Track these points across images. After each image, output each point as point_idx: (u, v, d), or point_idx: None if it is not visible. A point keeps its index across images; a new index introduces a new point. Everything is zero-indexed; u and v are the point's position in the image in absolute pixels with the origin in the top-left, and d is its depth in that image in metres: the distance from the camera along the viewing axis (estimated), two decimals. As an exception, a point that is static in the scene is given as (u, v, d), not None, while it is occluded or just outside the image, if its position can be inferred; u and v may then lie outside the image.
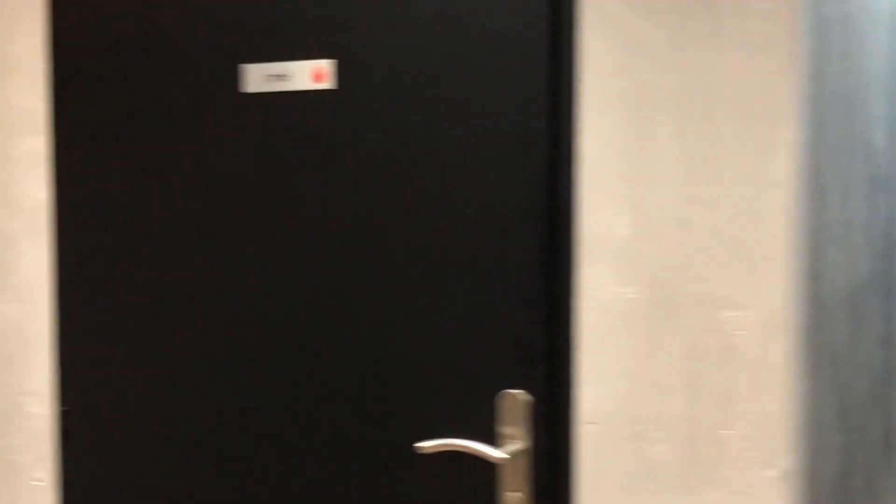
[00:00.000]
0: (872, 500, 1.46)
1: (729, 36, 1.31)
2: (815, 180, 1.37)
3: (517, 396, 1.46)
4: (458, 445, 1.45)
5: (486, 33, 1.45)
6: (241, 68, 1.60)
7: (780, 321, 1.31)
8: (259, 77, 1.58)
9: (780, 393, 1.31)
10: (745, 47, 1.30)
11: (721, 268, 1.34)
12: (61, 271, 1.76)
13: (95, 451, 1.74)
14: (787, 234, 1.30)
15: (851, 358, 1.45)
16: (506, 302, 1.47)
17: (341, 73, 1.54)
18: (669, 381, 1.38)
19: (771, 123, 1.30)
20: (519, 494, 1.45)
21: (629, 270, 1.40)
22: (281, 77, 1.56)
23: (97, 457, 1.74)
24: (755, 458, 1.33)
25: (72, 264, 1.75)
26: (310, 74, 1.55)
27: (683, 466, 1.38)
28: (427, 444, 1.47)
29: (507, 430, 1.47)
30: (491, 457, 1.43)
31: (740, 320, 1.33)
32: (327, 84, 1.54)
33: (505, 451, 1.44)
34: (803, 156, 1.32)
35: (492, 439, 1.48)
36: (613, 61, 1.38)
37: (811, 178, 1.35)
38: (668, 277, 1.37)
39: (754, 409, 1.33)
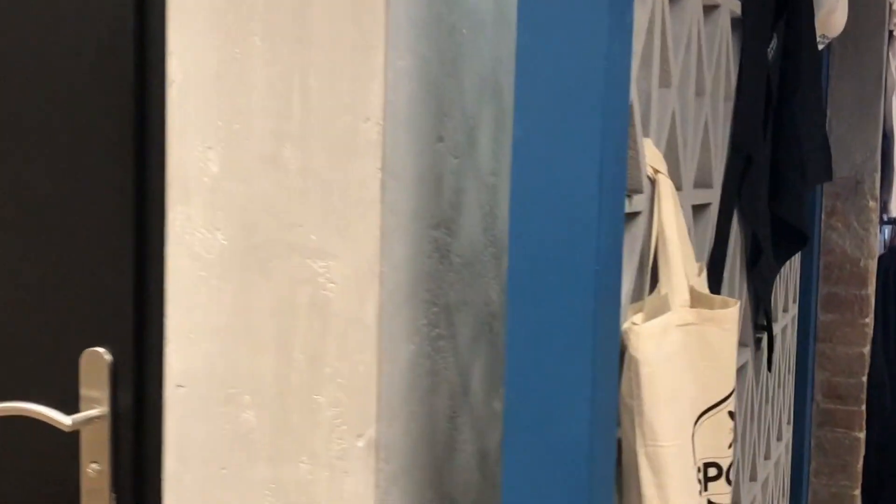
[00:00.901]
0: (480, 473, 1.34)
1: (323, -53, 1.15)
2: (426, 118, 1.23)
3: (100, 355, 1.27)
4: (21, 409, 1.26)
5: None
6: None
7: (373, 274, 1.16)
8: None
9: (371, 355, 1.17)
10: (338, -39, 1.14)
11: (314, 212, 1.18)
12: None
13: None
14: (380, 176, 1.15)
15: (468, 321, 1.32)
16: (88, 249, 1.27)
17: None
18: (260, 340, 1.22)
19: (365, 50, 1.15)
20: (96, 466, 1.27)
21: (219, 214, 1.22)
22: None
23: None
24: (345, 426, 1.19)
25: None
26: None
27: (274, 435, 1.22)
28: (-12, 409, 1.27)
29: (88, 392, 1.28)
30: (58, 423, 1.24)
31: (332, 271, 1.18)
32: None
33: (79, 416, 1.25)
34: (404, 89, 1.17)
35: (74, 403, 1.29)
36: (201, -29, 1.19)
37: (419, 116, 1.21)
38: (258, 222, 1.21)
39: (345, 373, 1.18)
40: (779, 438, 2.67)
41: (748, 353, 2.04)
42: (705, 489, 1.26)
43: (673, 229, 1.26)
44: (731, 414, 1.29)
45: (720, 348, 1.26)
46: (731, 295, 1.86)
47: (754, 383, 2.14)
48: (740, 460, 2.07)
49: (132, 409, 1.28)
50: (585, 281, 1.03)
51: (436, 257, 1.27)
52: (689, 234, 1.39)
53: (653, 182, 1.28)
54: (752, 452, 2.18)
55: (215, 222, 1.23)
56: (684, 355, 1.22)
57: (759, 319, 2.07)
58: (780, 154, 2.08)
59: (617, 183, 1.08)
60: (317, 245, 1.19)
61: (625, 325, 1.19)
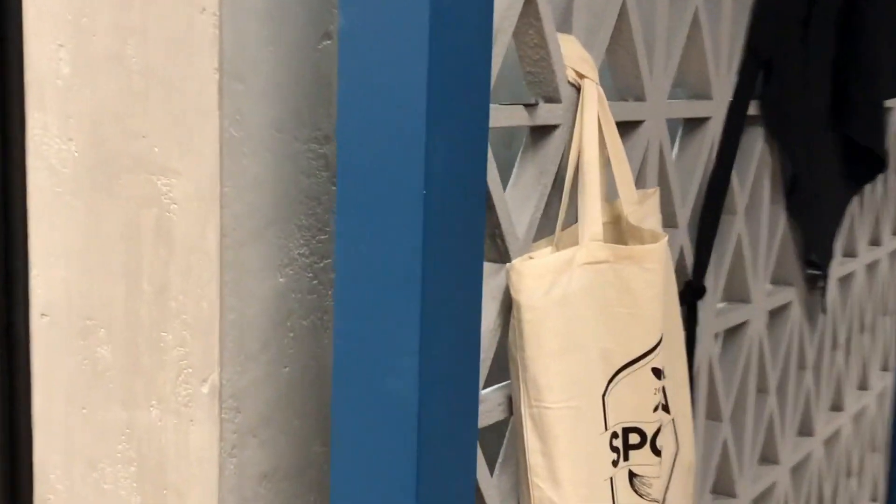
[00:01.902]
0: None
1: None
2: (303, 11, 1.04)
3: (-36, 278, 1.16)
4: None
5: None
6: None
7: (214, 195, 0.99)
8: None
9: (214, 290, 1.01)
10: None
11: (157, 121, 1.02)
12: None
13: None
14: (217, 78, 0.98)
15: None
16: (-52, 158, 1.15)
17: None
18: (111, 268, 1.08)
19: (200, -74, 0.97)
20: (-42, 400, 1.17)
21: (71, 122, 1.08)
22: None
23: None
24: (190, 370, 1.04)
25: None
26: None
27: (126, 375, 1.08)
28: None
29: (-44, 319, 1.17)
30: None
31: (175, 191, 1.02)
32: None
33: (-63, 345, 1.15)
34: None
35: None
36: None
37: (289, 8, 1.02)
38: (106, 132, 1.06)
39: (189, 309, 1.03)
40: (863, 388, 2.38)
41: (792, 293, 1.78)
42: (625, 458, 1.06)
43: (594, 147, 1.03)
44: (657, 371, 1.07)
45: (641, 292, 1.04)
46: (753, 228, 1.60)
47: (807, 328, 1.88)
48: (786, 413, 1.83)
49: (2, 341, 1.17)
50: (412, 206, 0.84)
51: (322, 176, 1.09)
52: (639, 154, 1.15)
53: (578, 89, 1.05)
54: (803, 405, 1.92)
55: (68, 131, 1.09)
56: (591, 300, 1.01)
57: (810, 255, 1.80)
58: (849, 67, 1.79)
59: (472, 87, 0.88)
60: (160, 160, 1.03)
61: (510, 264, 0.99)
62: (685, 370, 1.22)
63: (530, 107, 1.02)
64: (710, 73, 1.35)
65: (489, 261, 1.03)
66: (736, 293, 1.60)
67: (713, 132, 1.38)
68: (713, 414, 1.54)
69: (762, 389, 1.71)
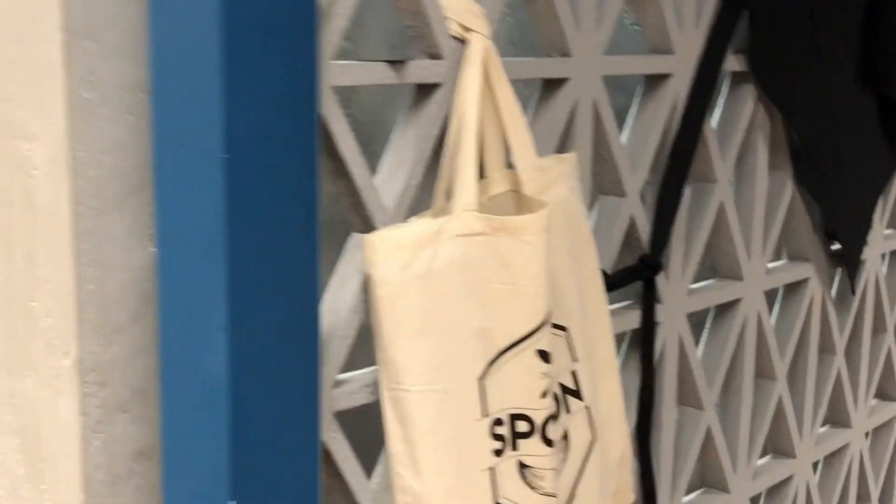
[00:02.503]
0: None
1: None
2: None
3: None
4: None
5: None
6: None
7: (64, 159, 0.95)
8: None
9: (68, 258, 0.96)
10: None
11: (16, 83, 0.98)
12: None
13: None
14: (60, 37, 0.92)
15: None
16: None
17: None
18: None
19: None
20: None
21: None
22: None
23: None
24: (58, 341, 0.99)
25: None
26: None
27: (7, 343, 1.05)
28: None
29: None
30: None
31: (36, 156, 0.98)
32: None
33: None
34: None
35: None
36: None
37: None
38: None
39: (53, 278, 0.99)
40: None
41: (810, 269, 1.63)
42: (513, 447, 0.97)
43: (473, 107, 0.94)
44: (543, 354, 0.97)
45: (521, 267, 0.94)
46: (745, 198, 1.47)
47: (832, 309, 1.73)
48: (803, 403, 1.69)
49: None
50: (213, 171, 0.78)
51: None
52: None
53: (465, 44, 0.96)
54: (827, 393, 1.77)
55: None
56: (464, 275, 0.92)
57: (830, 229, 1.65)
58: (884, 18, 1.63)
59: (290, 42, 0.80)
60: (23, 123, 0.98)
61: (364, 236, 0.91)
62: (611, 353, 1.12)
63: (397, 64, 0.93)
64: (669, 24, 1.23)
65: (358, 232, 0.95)
66: (725, 269, 1.47)
67: (674, 91, 1.26)
68: (693, 401, 1.42)
69: (765, 375, 1.58)
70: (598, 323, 1.10)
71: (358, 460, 0.98)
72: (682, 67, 1.27)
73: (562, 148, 1.13)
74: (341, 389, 0.94)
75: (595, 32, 1.13)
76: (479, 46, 0.95)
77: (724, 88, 1.43)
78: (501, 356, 0.95)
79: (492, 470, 0.96)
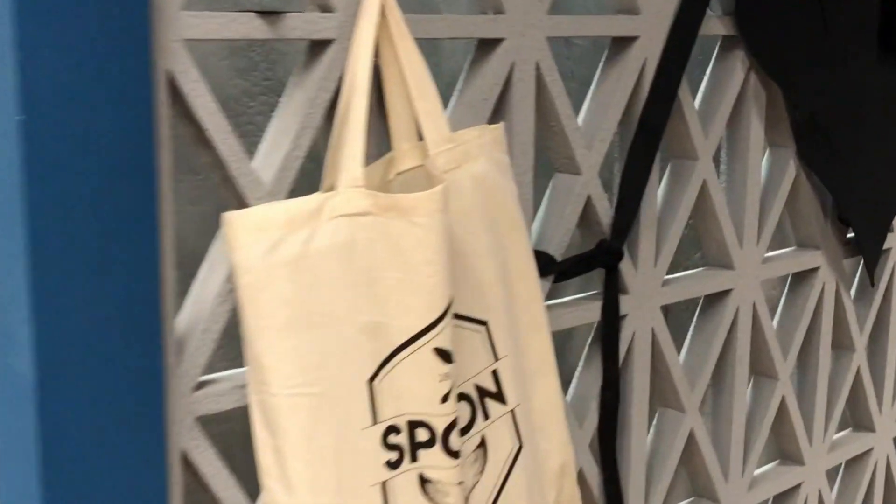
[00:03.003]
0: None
1: None
2: None
3: None
4: None
5: None
6: None
7: None
8: None
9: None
10: None
11: None
12: None
13: None
14: None
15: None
16: None
17: None
18: None
19: None
20: None
21: None
22: None
23: None
24: None
25: None
26: None
27: None
28: None
29: None
30: None
31: None
32: None
33: None
34: None
35: None
36: None
37: None
38: None
39: None
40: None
41: (819, 258, 1.48)
42: (412, 458, 0.84)
43: (364, 67, 0.81)
44: (443, 353, 0.84)
45: (412, 253, 0.81)
46: (735, 178, 1.32)
47: (848, 302, 1.56)
48: (812, 402, 1.53)
49: None
50: (9, 135, 0.66)
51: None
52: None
53: (360, -3, 0.84)
54: (843, 394, 1.61)
55: None
56: (347, 261, 0.79)
57: (842, 214, 1.49)
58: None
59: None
60: None
61: (224, 215, 0.79)
62: (547, 350, 0.98)
63: (271, 15, 0.81)
64: (634, -18, 1.09)
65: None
66: (714, 257, 1.33)
67: (640, 56, 1.11)
68: (672, 402, 1.28)
69: (764, 373, 1.43)
70: (530, 316, 0.96)
71: (232, 473, 0.86)
72: (650, 29, 1.12)
73: (496, 118, 1.00)
74: (205, 391, 0.83)
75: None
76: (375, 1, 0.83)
77: (712, 56, 1.29)
78: (395, 355, 0.82)
79: (383, 484, 0.83)
